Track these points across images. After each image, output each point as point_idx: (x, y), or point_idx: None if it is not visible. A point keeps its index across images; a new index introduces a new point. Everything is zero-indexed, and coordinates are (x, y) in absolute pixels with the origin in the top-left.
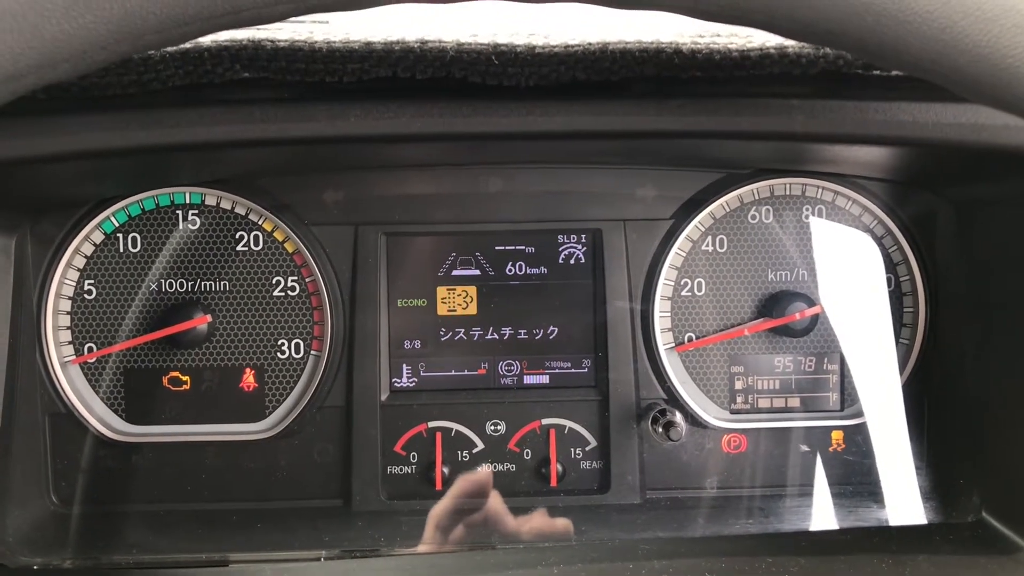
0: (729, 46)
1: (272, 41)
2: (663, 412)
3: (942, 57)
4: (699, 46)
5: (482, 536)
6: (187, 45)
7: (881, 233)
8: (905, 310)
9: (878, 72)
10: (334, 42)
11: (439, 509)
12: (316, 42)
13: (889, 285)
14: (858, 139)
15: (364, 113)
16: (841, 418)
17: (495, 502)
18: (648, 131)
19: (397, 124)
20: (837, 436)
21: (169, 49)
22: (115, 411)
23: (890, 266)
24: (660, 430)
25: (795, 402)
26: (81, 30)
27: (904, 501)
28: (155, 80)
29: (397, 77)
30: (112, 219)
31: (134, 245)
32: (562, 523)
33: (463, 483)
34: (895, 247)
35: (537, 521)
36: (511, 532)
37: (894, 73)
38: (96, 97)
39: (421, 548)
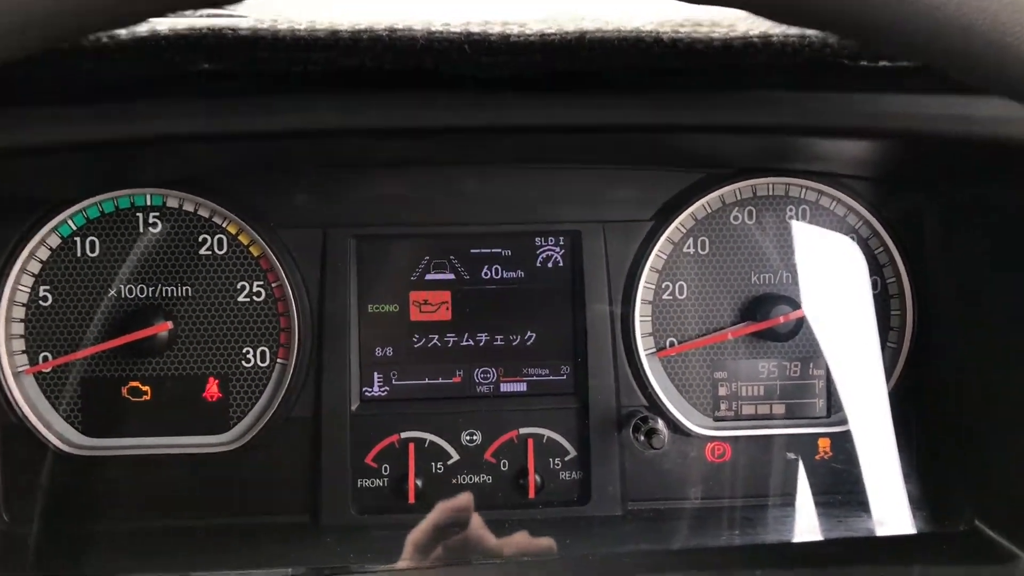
0: (711, 35)
1: (234, 30)
2: (644, 420)
3: (938, 37)
4: (680, 35)
5: (460, 555)
6: (143, 33)
7: (867, 234)
8: (892, 313)
9: (865, 62)
10: (299, 30)
11: (418, 532)
12: (280, 30)
13: (875, 287)
14: (845, 132)
15: (330, 106)
16: (827, 425)
17: (475, 523)
18: (628, 125)
19: (365, 118)
20: (824, 443)
21: (124, 38)
22: (72, 423)
23: (876, 268)
24: (642, 438)
25: (780, 409)
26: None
27: (894, 510)
28: (110, 71)
29: (365, 68)
30: (69, 222)
31: (92, 249)
32: (544, 542)
33: (442, 510)
34: (881, 248)
35: (518, 540)
36: (491, 552)
37: (882, 63)
38: (48, 89)
39: (394, 565)
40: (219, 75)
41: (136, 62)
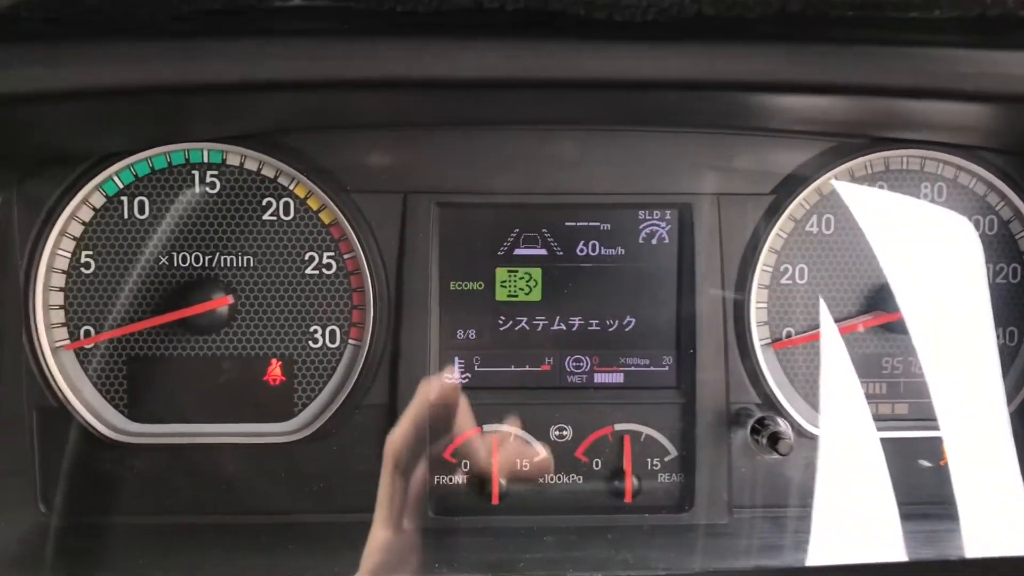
0: None
1: None
2: (763, 421)
3: None
4: None
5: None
6: None
7: (1008, 216)
8: None
9: None
10: None
11: (396, 437)
12: None
13: (1014, 276)
14: None
15: (442, 52)
16: None
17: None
18: (780, 82)
19: (482, 66)
20: None
21: None
22: (115, 406)
23: (1016, 254)
24: (763, 442)
25: (903, 408)
26: None
27: None
28: (186, 2)
29: (483, 9)
30: (115, 179)
31: (141, 211)
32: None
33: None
34: (1023, 233)
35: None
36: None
37: None
38: (114, 23)
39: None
40: (314, 12)
41: None
